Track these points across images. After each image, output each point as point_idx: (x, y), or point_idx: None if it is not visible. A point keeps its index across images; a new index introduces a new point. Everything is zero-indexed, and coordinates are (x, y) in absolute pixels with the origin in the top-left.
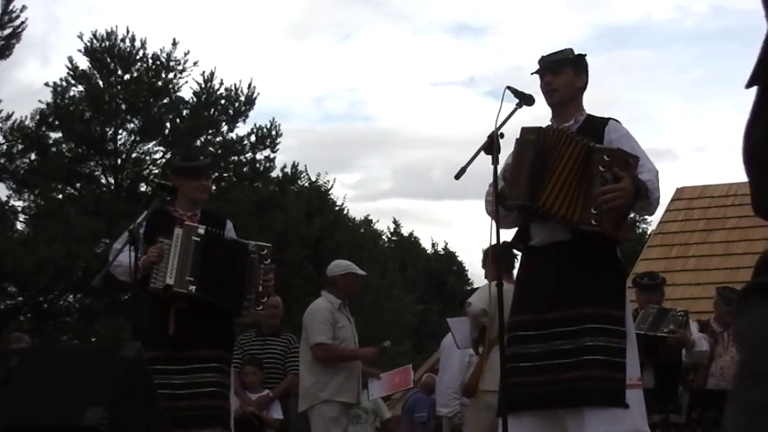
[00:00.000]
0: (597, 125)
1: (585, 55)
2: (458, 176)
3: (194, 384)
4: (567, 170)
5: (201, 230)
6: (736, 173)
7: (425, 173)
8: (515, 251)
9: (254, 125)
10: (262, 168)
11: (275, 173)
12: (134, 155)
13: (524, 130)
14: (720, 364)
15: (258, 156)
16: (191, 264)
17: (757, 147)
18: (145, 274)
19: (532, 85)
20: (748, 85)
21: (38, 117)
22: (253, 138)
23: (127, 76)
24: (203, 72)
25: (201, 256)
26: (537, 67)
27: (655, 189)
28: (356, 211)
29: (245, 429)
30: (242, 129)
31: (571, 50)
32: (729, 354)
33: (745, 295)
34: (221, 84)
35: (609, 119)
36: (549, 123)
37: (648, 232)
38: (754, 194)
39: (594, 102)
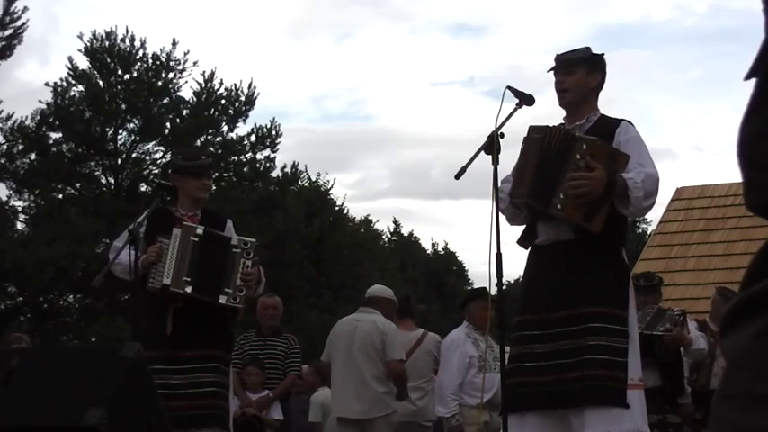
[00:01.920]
0: (609, 126)
1: (603, 54)
2: (458, 176)
3: (193, 384)
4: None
5: (200, 231)
6: (735, 172)
7: (424, 172)
8: (523, 249)
9: (255, 125)
10: (262, 168)
11: (275, 173)
12: (134, 155)
13: (532, 129)
14: (722, 363)
15: (258, 156)
16: (188, 264)
17: (752, 140)
18: (143, 272)
19: (532, 85)
20: (747, 77)
21: (38, 117)
22: (253, 138)
23: (127, 76)
24: (203, 72)
25: (199, 257)
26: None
27: (637, 189)
28: (354, 210)
29: (244, 430)
30: (242, 129)
31: (587, 49)
32: None
33: (733, 309)
34: (221, 84)
35: (621, 120)
36: (562, 122)
37: (648, 232)
38: (747, 190)
39: None
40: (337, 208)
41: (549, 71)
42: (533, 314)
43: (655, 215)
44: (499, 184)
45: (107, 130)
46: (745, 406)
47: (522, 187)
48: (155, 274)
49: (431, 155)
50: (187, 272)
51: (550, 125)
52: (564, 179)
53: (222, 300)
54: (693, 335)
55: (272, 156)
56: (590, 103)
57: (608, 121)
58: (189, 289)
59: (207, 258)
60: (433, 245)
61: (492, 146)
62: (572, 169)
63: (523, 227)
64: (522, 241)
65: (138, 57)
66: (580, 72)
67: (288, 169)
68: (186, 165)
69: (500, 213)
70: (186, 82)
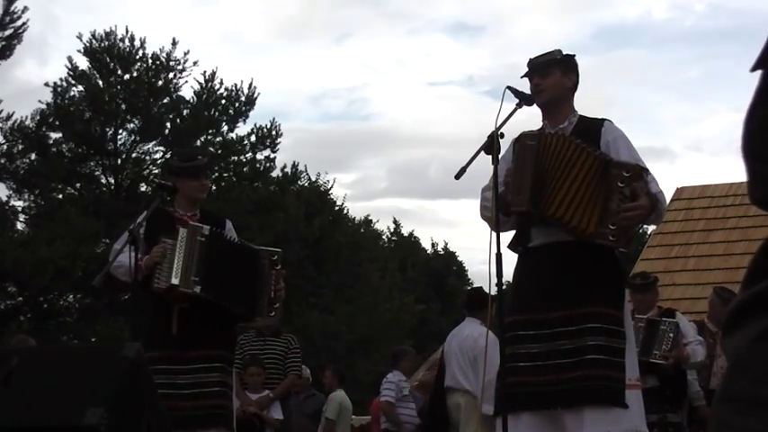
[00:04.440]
0: (593, 127)
1: (574, 55)
2: (458, 176)
3: (199, 384)
4: (579, 180)
5: (206, 231)
6: (734, 172)
7: (421, 172)
8: (513, 253)
9: (255, 125)
10: (262, 168)
11: (275, 173)
12: (134, 155)
13: (524, 136)
14: (721, 363)
15: (258, 156)
16: (196, 264)
17: (756, 132)
18: (147, 273)
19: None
20: (753, 69)
21: (38, 117)
22: (253, 138)
23: (127, 76)
24: (203, 72)
25: (206, 257)
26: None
27: (663, 200)
28: (351, 209)
29: (245, 429)
30: (242, 129)
31: (559, 51)
32: None
33: (734, 309)
34: (221, 84)
35: (603, 120)
36: (542, 125)
37: (648, 232)
38: (752, 184)
39: (592, 101)
40: (337, 208)
41: (522, 77)
42: (528, 314)
43: None
44: (483, 192)
45: (107, 130)
46: (745, 410)
47: (521, 196)
48: (159, 275)
49: (429, 154)
50: (195, 272)
51: (544, 131)
52: (609, 209)
53: (260, 318)
54: (691, 348)
55: (272, 156)
56: (568, 104)
57: (590, 122)
58: (198, 289)
59: (216, 259)
60: (433, 245)
61: (492, 146)
62: (618, 198)
63: (513, 232)
64: (515, 246)
65: (137, 57)
66: (555, 74)
67: (288, 169)
68: (182, 166)
69: (485, 220)
70: (186, 82)
